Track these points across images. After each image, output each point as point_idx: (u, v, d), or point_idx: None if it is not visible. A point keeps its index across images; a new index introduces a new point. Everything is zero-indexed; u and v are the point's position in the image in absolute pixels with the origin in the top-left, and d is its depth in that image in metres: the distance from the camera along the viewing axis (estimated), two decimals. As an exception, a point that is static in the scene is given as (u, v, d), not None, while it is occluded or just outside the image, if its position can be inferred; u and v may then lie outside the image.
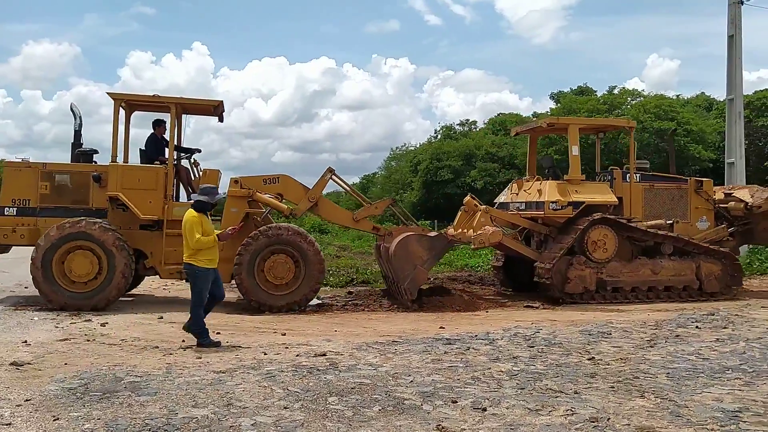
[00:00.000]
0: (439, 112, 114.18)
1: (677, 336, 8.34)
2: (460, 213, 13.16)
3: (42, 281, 10.28)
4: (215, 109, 11.86)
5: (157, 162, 11.40)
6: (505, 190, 13.98)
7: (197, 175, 11.77)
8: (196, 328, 7.68)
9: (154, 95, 11.42)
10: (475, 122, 53.42)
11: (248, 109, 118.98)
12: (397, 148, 55.87)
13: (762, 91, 41.59)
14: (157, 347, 7.62)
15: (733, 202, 13.49)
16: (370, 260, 17.97)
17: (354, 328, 9.31)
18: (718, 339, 8.12)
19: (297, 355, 7.20)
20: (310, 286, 10.97)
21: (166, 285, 13.96)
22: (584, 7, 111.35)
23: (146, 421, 4.80)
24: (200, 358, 7.03)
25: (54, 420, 4.84)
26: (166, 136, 11.51)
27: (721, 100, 41.63)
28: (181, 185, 11.81)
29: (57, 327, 8.82)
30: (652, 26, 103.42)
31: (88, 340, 7.96)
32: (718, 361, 6.87)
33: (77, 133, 11.60)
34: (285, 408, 5.18)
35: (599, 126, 14.80)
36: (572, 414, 5.07)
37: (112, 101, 11.22)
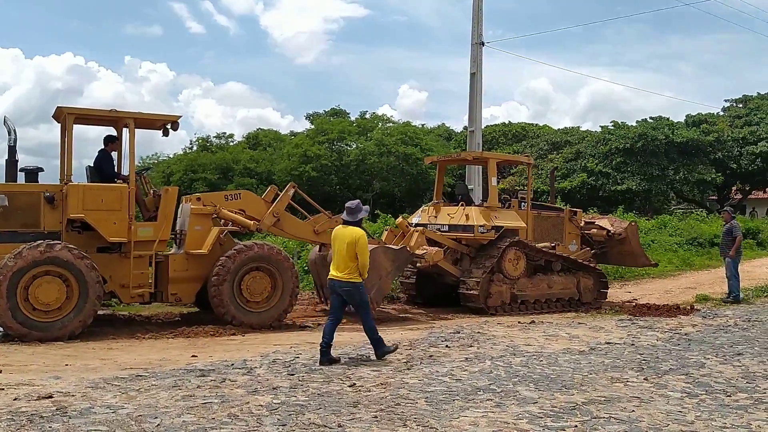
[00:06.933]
0: (196, 123, 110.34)
1: (430, 356, 8.56)
2: (386, 233, 14.18)
3: (6, 311, 9.19)
4: (173, 124, 11.15)
5: (119, 180, 10.81)
6: (419, 212, 15.18)
7: (148, 193, 11.31)
8: (375, 336, 8.29)
9: (111, 110, 10.87)
10: (232, 135, 51.92)
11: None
12: (147, 157, 52.24)
13: (493, 125, 46.89)
14: None
15: (595, 229, 16.00)
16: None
17: (89, 361, 8.16)
18: (466, 358, 8.48)
19: (15, 399, 6.00)
20: (287, 300, 11.28)
21: None
22: (345, 34, 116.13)
23: None
24: None
25: None
26: (114, 154, 11.16)
27: (459, 131, 45.95)
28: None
29: None
30: (403, 59, 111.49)
31: None
32: (470, 382, 7.12)
33: (12, 150, 10.54)
34: (-8, 474, 4.16)
35: (508, 161, 18.21)
36: (337, 452, 4.77)
37: (64, 115, 10.35)
